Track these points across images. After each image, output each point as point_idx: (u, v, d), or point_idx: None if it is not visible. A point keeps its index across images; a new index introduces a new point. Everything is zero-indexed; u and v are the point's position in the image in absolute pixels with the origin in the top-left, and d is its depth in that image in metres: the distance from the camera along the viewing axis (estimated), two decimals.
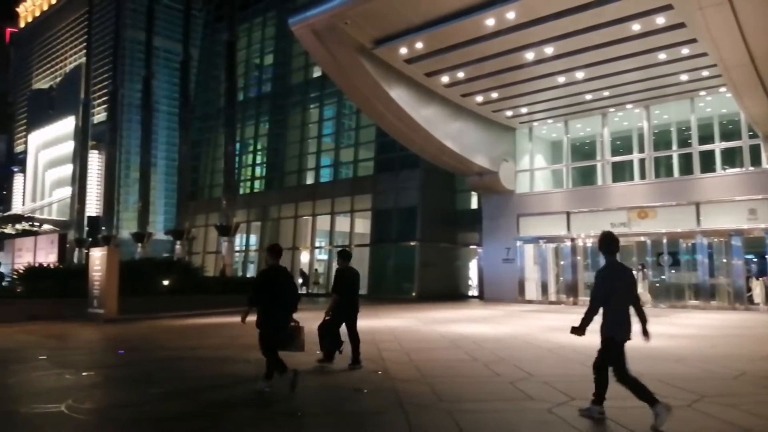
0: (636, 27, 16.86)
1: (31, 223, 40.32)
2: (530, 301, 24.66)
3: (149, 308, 18.80)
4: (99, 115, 47.22)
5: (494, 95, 22.65)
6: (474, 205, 29.73)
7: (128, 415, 6.29)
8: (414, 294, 27.80)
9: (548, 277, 25.03)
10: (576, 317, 5.70)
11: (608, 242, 5.70)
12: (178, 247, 34.55)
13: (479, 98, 23.01)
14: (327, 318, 8.77)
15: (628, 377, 5.37)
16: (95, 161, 45.42)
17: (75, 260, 35.33)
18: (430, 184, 28.87)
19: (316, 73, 34.32)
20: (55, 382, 8.49)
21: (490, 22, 17.13)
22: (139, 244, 36.80)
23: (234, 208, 31.57)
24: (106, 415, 6.35)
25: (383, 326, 14.81)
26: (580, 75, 20.35)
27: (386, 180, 30.00)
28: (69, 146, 48.53)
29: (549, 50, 18.61)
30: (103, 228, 37.66)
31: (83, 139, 45.53)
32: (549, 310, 21.04)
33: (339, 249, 11.39)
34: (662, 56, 18.62)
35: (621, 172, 24.55)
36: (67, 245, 35.95)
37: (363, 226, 31.73)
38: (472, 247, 30.10)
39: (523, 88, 21.71)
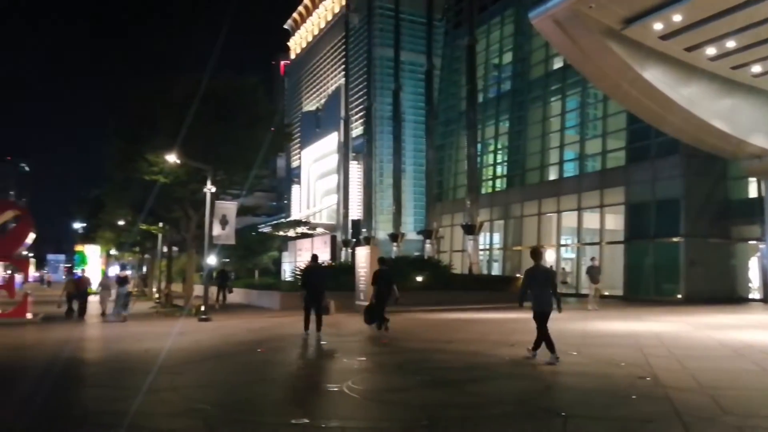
0: None
1: (307, 227, 46.56)
2: None
3: (405, 302, 20.13)
4: (356, 130, 52.34)
5: None
6: (753, 193, 25.46)
7: (397, 399, 6.85)
8: (679, 296, 24.91)
9: None
10: None
11: (535, 253, 9.50)
12: (427, 245, 36.44)
13: (756, 68, 19.67)
14: (372, 302, 13.29)
15: (546, 335, 8.88)
16: (355, 171, 50.41)
17: (342, 258, 39.73)
18: (695, 172, 25.55)
19: (557, 64, 33.07)
20: (335, 365, 9.67)
21: None
22: (394, 244, 39.80)
23: (477, 207, 32.11)
24: (379, 397, 7.00)
25: (646, 330, 13.61)
26: None
27: (640, 170, 27.46)
28: (333, 159, 54.82)
29: None
30: (363, 230, 41.67)
31: (345, 152, 51.00)
32: None
33: (379, 257, 16.04)
34: None
35: None
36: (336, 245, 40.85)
37: (614, 221, 29.54)
38: (751, 242, 25.86)
39: None
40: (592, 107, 31.66)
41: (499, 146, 37.81)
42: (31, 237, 18.98)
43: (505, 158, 37.22)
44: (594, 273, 20.47)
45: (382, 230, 45.76)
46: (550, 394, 7.04)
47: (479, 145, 35.41)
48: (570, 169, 32.47)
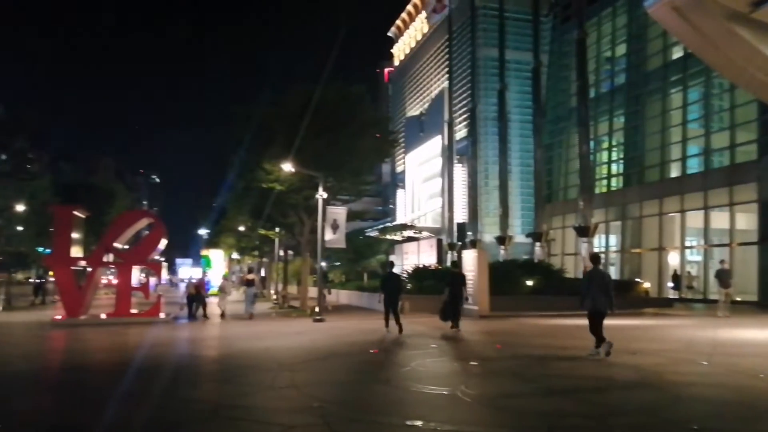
0: None
1: (413, 230, 46.90)
2: None
3: (515, 307, 19.79)
4: (460, 132, 51.98)
5: None
6: None
7: (514, 405, 6.72)
8: None
9: None
10: None
11: (594, 258, 10.99)
12: (537, 249, 35.35)
13: None
14: (446, 301, 14.48)
15: (598, 331, 9.86)
16: (459, 174, 50.04)
17: (448, 262, 39.54)
18: None
19: (677, 53, 30.87)
20: (446, 368, 9.67)
21: None
22: (501, 247, 38.99)
23: (591, 208, 30.69)
24: (494, 403, 6.90)
25: None
26: None
27: None
28: (437, 163, 54.80)
29: None
30: (469, 233, 41.22)
31: (449, 155, 50.74)
32: None
33: (453, 261, 16.34)
34: None
35: None
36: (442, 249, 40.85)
37: (746, 220, 27.01)
38: None
39: None
40: (718, 98, 29.25)
41: (614, 143, 35.94)
42: (163, 243, 20.67)
43: (621, 155, 35.33)
44: (724, 277, 18.92)
45: (488, 233, 44.97)
46: (679, 405, 6.60)
47: (592, 143, 33.84)
48: (694, 166, 30.18)
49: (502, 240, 39.68)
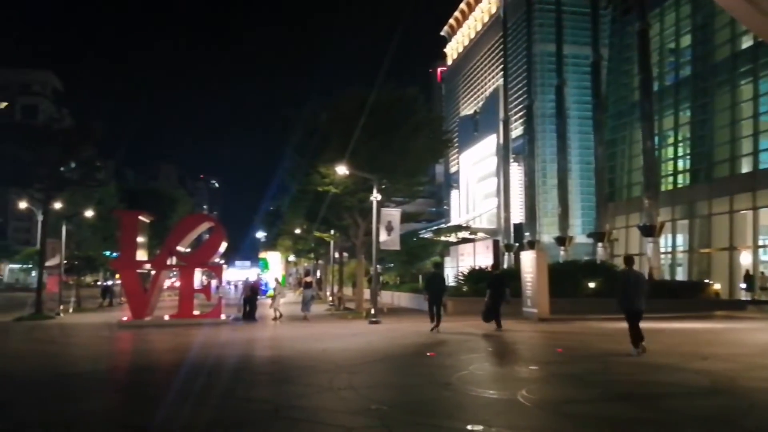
0: None
1: (468, 231, 46.38)
2: None
3: (575, 309, 19.22)
4: (515, 131, 51.05)
5: None
6: None
7: (579, 411, 6.47)
8: None
9: None
10: None
11: (628, 260, 11.10)
12: (599, 249, 34.25)
13: None
14: (487, 302, 15.12)
15: (636, 331, 10.26)
16: (515, 173, 49.13)
17: (505, 263, 38.84)
18: None
19: (746, 43, 29.26)
20: (506, 372, 9.44)
21: None
22: (561, 248, 38.00)
23: (656, 206, 29.47)
24: (558, 409, 6.65)
25: None
26: None
27: None
28: (492, 162, 54.00)
29: None
30: (526, 233, 40.36)
31: (505, 154, 49.93)
32: None
33: (492, 263, 17.27)
34: None
35: None
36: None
37: None
38: None
39: None
40: None
41: (680, 138, 34.40)
42: (223, 246, 21.20)
43: (688, 151, 33.78)
44: None
45: (547, 234, 43.91)
46: (755, 413, 6.19)
47: (656, 138, 32.51)
48: (767, 160, 28.52)
49: (561, 240, 38.68)
